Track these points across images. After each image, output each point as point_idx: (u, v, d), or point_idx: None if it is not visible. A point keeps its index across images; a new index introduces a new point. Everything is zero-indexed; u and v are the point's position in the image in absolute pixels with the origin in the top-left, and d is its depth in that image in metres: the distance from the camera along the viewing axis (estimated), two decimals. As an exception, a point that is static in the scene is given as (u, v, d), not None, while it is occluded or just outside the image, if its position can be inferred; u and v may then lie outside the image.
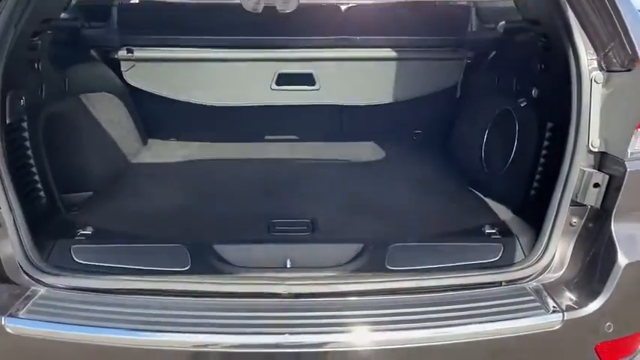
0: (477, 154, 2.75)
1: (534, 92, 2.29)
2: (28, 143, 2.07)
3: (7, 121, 1.91)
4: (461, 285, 1.89)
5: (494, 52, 3.06)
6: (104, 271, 1.90)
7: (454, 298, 1.86)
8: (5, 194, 1.83)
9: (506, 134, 2.52)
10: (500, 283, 1.94)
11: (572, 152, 1.92)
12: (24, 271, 1.86)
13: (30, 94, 2.11)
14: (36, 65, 2.20)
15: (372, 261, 1.96)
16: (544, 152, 2.15)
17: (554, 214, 1.96)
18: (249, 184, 2.72)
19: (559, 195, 1.95)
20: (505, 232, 2.13)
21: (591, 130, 1.91)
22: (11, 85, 1.93)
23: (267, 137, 3.44)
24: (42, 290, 1.84)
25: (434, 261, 1.98)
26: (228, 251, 1.97)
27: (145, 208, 2.37)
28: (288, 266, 1.91)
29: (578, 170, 1.92)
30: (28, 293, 1.82)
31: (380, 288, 1.84)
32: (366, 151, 3.28)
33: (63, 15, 2.65)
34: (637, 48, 1.80)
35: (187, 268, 1.90)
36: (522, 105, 2.31)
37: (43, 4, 2.00)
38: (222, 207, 2.41)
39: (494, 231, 2.15)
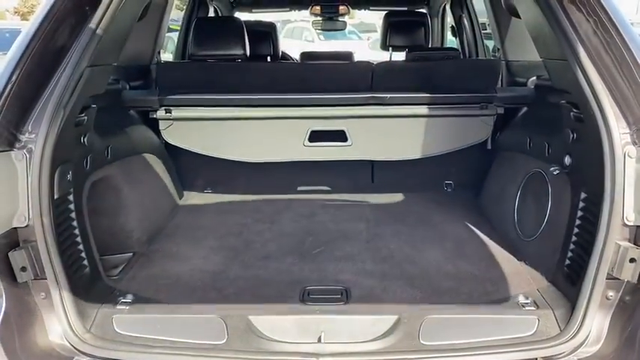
0: (509, 215, 2.75)
1: (567, 160, 2.29)
2: (73, 214, 2.16)
3: (55, 196, 2.01)
4: None
5: (525, 109, 3.07)
6: (143, 343, 1.95)
7: None
8: (52, 266, 1.92)
9: (539, 198, 2.51)
10: (536, 359, 1.93)
11: (607, 226, 1.91)
12: (68, 342, 1.94)
13: (76, 166, 2.22)
14: (82, 139, 2.31)
15: (407, 335, 1.97)
16: (578, 222, 2.14)
17: (590, 288, 1.95)
18: (283, 243, 2.76)
19: (594, 269, 1.94)
20: (540, 302, 2.12)
21: (626, 204, 1.90)
22: (60, 162, 2.03)
23: (300, 191, 3.50)
24: None
25: (468, 335, 1.97)
26: (263, 323, 2.01)
27: (182, 273, 2.43)
28: (322, 341, 1.94)
29: (614, 244, 1.91)
30: None
31: None
32: (397, 205, 3.30)
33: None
34: (671, 127, 1.81)
35: (224, 341, 1.95)
36: (555, 172, 2.31)
37: (90, 84, 2.11)
38: (256, 270, 2.45)
39: (528, 301, 2.13)
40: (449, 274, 2.38)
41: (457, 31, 4.83)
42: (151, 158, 3.17)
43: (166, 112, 3.20)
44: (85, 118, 2.29)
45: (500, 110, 3.14)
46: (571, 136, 2.24)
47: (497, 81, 3.30)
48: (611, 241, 1.91)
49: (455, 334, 1.98)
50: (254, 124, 3.23)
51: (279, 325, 2.02)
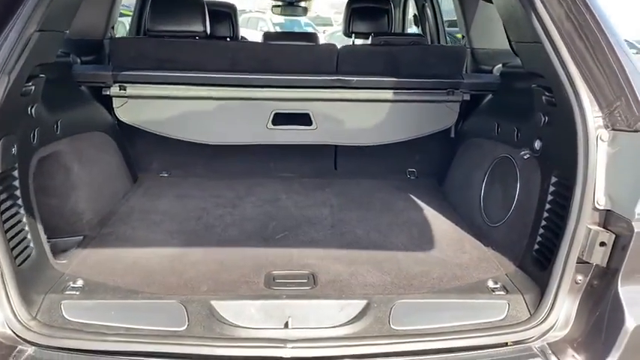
0: (475, 202, 2.73)
1: (537, 144, 2.28)
2: (18, 192, 1.98)
3: None
4: (468, 347, 1.84)
5: (492, 96, 3.07)
6: (95, 330, 1.81)
7: None
8: None
9: (506, 183, 2.50)
10: (506, 344, 1.90)
11: (578, 210, 1.90)
12: (11, 330, 1.77)
13: (22, 140, 2.03)
14: (29, 110, 2.12)
15: (377, 320, 1.90)
16: (548, 207, 2.13)
17: (561, 272, 1.94)
18: (246, 228, 2.65)
19: (565, 253, 1.93)
20: (509, 287, 2.10)
21: (597, 188, 1.89)
22: (3, 133, 1.85)
23: (262, 175, 3.37)
24: (29, 350, 1.75)
25: (439, 319, 1.93)
26: (227, 308, 1.90)
27: (138, 257, 2.28)
28: (290, 326, 1.84)
29: (585, 228, 1.91)
30: (14, 353, 1.74)
31: (385, 351, 1.79)
32: (361, 191, 3.24)
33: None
34: (645, 110, 1.81)
35: (184, 328, 1.82)
36: (525, 157, 2.30)
37: (38, 49, 1.93)
38: (218, 254, 2.33)
39: (497, 286, 2.11)
40: (417, 260, 2.33)
41: (420, 20, 4.81)
42: (103, 137, 2.98)
43: (120, 89, 3.02)
44: (33, 87, 2.10)
45: (467, 97, 3.13)
46: (543, 119, 2.23)
47: (463, 68, 3.29)
48: (583, 225, 1.90)
49: (425, 318, 1.93)
50: (214, 105, 3.09)
51: (244, 310, 1.91)
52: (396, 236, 2.58)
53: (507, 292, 2.07)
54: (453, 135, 3.43)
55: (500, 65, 3.11)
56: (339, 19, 13.52)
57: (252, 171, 3.38)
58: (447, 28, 4.40)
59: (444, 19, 4.49)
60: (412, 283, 2.12)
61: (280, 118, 3.08)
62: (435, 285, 2.12)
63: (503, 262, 2.30)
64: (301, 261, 2.28)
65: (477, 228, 2.64)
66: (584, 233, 1.91)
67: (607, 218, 1.93)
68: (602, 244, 1.91)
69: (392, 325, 1.89)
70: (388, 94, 3.05)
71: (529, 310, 1.99)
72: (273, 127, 3.07)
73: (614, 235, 1.89)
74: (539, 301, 1.98)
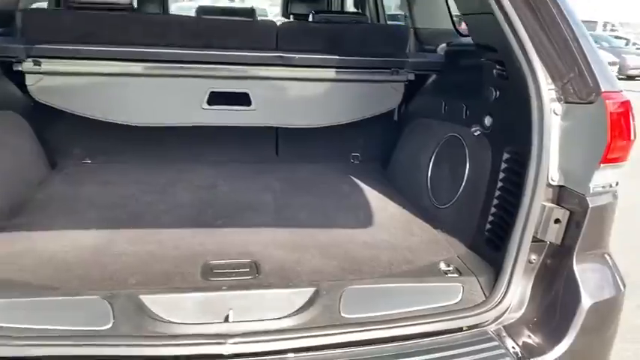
0: (422, 184, 2.63)
1: (488, 121, 2.20)
2: None
3: None
4: (422, 333, 1.73)
5: (437, 76, 2.98)
6: (3, 334, 1.55)
7: (415, 349, 1.70)
8: None
9: (454, 163, 2.41)
10: (461, 329, 1.80)
11: (533, 186, 1.83)
12: None
13: None
14: None
15: (326, 308, 1.75)
16: (500, 185, 2.05)
17: (515, 251, 1.86)
18: (179, 215, 2.42)
19: (520, 231, 1.85)
20: (462, 269, 2.00)
21: (551, 164, 1.83)
22: None
23: (197, 160, 3.13)
24: None
25: (392, 305, 1.80)
26: (158, 303, 1.69)
27: (55, 250, 2.01)
28: (231, 320, 1.66)
29: (540, 206, 1.84)
30: None
31: (336, 342, 1.64)
32: (304, 176, 3.08)
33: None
34: (599, 80, 1.75)
35: (109, 327, 1.60)
36: (476, 133, 2.21)
37: None
38: (148, 244, 2.10)
39: (450, 268, 2.01)
40: (366, 244, 2.20)
41: (359, 1, 4.71)
42: (14, 118, 2.65)
43: (35, 65, 2.69)
44: None
45: (411, 76, 3.02)
46: (494, 94, 2.14)
47: (406, 47, 3.19)
48: (537, 202, 1.83)
49: (377, 305, 1.80)
50: (143, 83, 2.82)
51: (178, 305, 1.70)
52: (342, 220, 2.44)
53: (461, 274, 1.98)
54: (396, 118, 3.33)
55: (444, 45, 3.04)
56: (275, 10, 13.25)
57: (185, 156, 3.13)
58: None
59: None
60: (362, 268, 1.99)
61: (216, 98, 2.85)
62: (385, 269, 2.00)
63: (454, 243, 2.21)
64: (242, 249, 2.09)
65: (424, 210, 2.55)
66: (538, 211, 1.84)
67: (560, 194, 1.87)
68: (557, 221, 1.85)
69: (342, 314, 1.74)
70: (331, 73, 2.90)
71: (484, 293, 1.90)
72: (208, 107, 2.84)
73: (568, 212, 1.83)
74: (494, 282, 1.90)
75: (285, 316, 1.71)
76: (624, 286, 1.88)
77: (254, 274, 1.89)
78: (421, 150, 2.76)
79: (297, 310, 1.74)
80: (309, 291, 1.78)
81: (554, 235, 1.85)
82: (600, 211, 1.81)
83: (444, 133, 2.56)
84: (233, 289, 1.76)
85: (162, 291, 1.74)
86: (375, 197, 2.78)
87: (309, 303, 1.75)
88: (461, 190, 2.33)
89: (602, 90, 1.73)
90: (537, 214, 1.84)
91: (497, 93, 2.13)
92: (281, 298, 1.75)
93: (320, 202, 2.65)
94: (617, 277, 1.87)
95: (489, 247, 2.04)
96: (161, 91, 2.84)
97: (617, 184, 1.86)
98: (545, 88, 1.81)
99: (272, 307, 1.72)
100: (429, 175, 2.61)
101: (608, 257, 1.90)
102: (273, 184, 2.88)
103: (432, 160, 2.61)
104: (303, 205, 2.62)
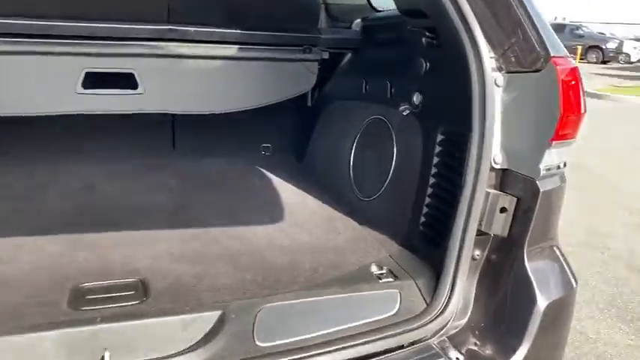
0: (344, 174, 2.31)
1: (417, 98, 1.91)
2: None
3: None
4: (358, 358, 1.40)
5: (354, 53, 2.67)
6: None
7: None
8: None
9: (380, 149, 2.11)
10: (402, 346, 1.50)
11: (475, 171, 1.56)
12: None
13: None
14: None
15: (236, 336, 1.37)
16: (434, 171, 1.76)
17: (458, 247, 1.58)
18: (44, 227, 1.93)
19: (462, 224, 1.58)
20: (397, 271, 1.70)
21: (493, 144, 1.57)
22: None
23: (72, 158, 2.60)
24: None
25: (319, 324, 1.46)
26: (7, 348, 1.23)
27: None
28: None
29: (484, 193, 1.57)
30: None
31: None
32: (208, 171, 2.66)
33: None
34: (547, 44, 1.50)
35: None
36: (405, 113, 1.92)
37: None
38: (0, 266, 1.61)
39: (384, 271, 1.70)
40: (283, 248, 1.84)
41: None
42: None
43: None
44: None
45: (326, 55, 2.69)
46: (423, 66, 1.85)
47: (317, 23, 2.85)
48: (481, 189, 1.56)
49: (301, 325, 1.45)
50: None
51: (34, 348, 1.25)
52: (255, 222, 2.06)
53: (396, 277, 1.67)
54: (309, 103, 2.99)
55: (358, 20, 2.73)
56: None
57: (57, 152, 2.59)
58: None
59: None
60: (280, 279, 1.63)
61: (94, 80, 2.35)
62: (309, 278, 1.65)
63: (385, 241, 1.91)
64: (127, 265, 1.65)
65: (349, 204, 2.23)
66: (482, 199, 1.57)
67: (504, 179, 1.61)
68: (503, 210, 1.59)
69: (257, 342, 1.38)
70: (234, 50, 2.49)
71: (424, 299, 1.61)
72: (84, 91, 2.33)
73: (515, 199, 1.58)
74: (435, 285, 1.61)
75: (182, 352, 1.31)
76: (576, 281, 1.66)
77: (140, 298, 1.47)
78: (341, 136, 2.44)
79: (198, 342, 1.35)
80: (213, 315, 1.40)
81: (500, 226, 1.60)
82: (550, 196, 1.57)
83: (366, 115, 2.25)
84: (110, 321, 1.33)
85: (12, 332, 1.28)
86: (291, 193, 2.43)
87: (214, 332, 1.37)
88: (388, 179, 2.03)
89: (552, 55, 1.49)
90: (481, 203, 1.57)
91: (428, 65, 1.85)
92: (175, 328, 1.35)
93: (226, 202, 2.26)
94: (569, 272, 1.65)
95: (426, 243, 1.76)
96: (23, 74, 2.29)
97: (565, 164, 1.63)
98: (487, 56, 1.54)
99: (163, 341, 1.32)
100: (352, 164, 2.30)
101: (557, 250, 1.68)
102: (168, 183, 2.44)
103: (354, 147, 2.30)
104: (206, 205, 2.21)
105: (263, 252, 1.79)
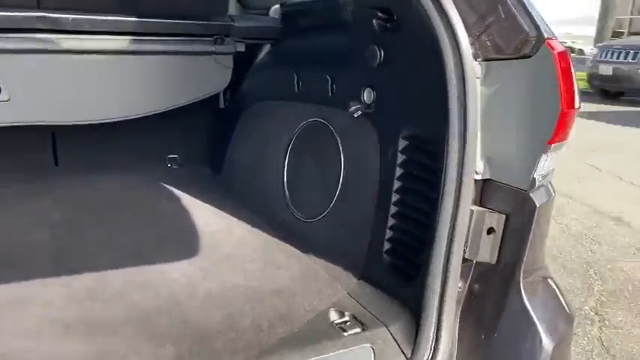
0: (276, 190, 1.91)
1: (368, 95, 1.55)
2: None
3: None
4: None
5: (276, 45, 2.26)
6: None
7: None
8: None
9: (322, 159, 1.74)
10: None
11: (457, 183, 1.23)
12: None
13: None
14: None
15: None
16: (398, 185, 1.42)
17: (441, 280, 1.25)
18: None
19: (444, 251, 1.25)
20: (363, 316, 1.34)
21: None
22: None
23: None
24: None
25: None
26: None
27: None
28: None
29: (468, 211, 1.25)
30: None
31: None
32: (102, 194, 2.15)
33: None
34: (539, 24, 1.20)
35: None
36: (356, 115, 1.55)
37: None
38: None
39: (346, 318, 1.33)
40: (212, 297, 1.41)
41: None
42: None
43: None
44: None
45: (241, 47, 2.26)
46: (378, 56, 1.49)
47: (227, 9, 2.41)
48: (466, 205, 1.24)
49: None
50: None
51: None
52: (168, 260, 1.61)
53: (363, 325, 1.31)
54: (222, 105, 2.55)
55: (276, 7, 2.33)
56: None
57: None
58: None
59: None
60: (214, 349, 1.20)
61: None
62: (251, 341, 1.24)
63: (339, 275, 1.54)
64: None
65: (284, 227, 1.84)
66: (467, 218, 1.26)
67: (486, 192, 1.31)
68: (490, 230, 1.29)
69: None
70: (126, 42, 2.00)
71: (402, 351, 1.26)
72: None
73: (503, 216, 1.28)
74: (415, 332, 1.27)
75: None
76: (574, 316, 1.40)
77: None
78: (268, 144, 2.04)
79: None
80: None
81: (487, 251, 1.29)
82: (545, 212, 1.29)
83: (300, 118, 1.86)
84: None
85: None
86: (211, 215, 1.98)
87: None
88: (336, 195, 1.66)
89: (546, 36, 1.19)
90: (466, 223, 1.26)
91: (382, 54, 1.49)
92: None
93: (128, 236, 1.77)
94: (566, 305, 1.38)
95: (394, 276, 1.41)
96: None
97: (552, 171, 1.35)
98: (466, 40, 1.22)
99: None
100: (285, 177, 1.91)
101: (551, 280, 1.40)
102: (51, 213, 1.91)
103: (287, 156, 1.91)
104: (103, 241, 1.72)
105: (185, 307, 1.35)
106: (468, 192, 1.24)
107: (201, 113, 2.43)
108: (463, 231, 1.25)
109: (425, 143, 1.34)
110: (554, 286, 1.37)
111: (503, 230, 1.28)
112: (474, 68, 1.23)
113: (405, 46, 1.38)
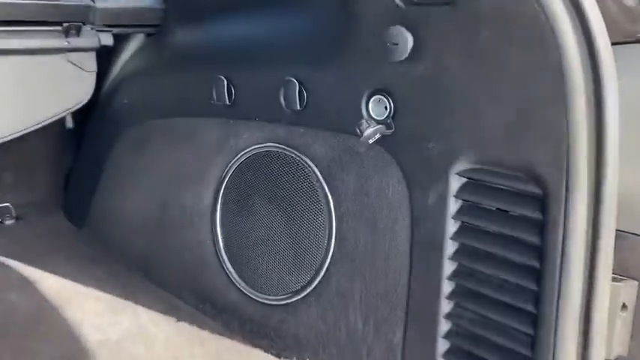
0: (201, 249, 1.25)
1: (377, 107, 0.96)
2: None
3: None
4: None
5: (172, 33, 1.54)
6: None
7: None
8: None
9: (292, 210, 1.13)
10: None
11: (589, 245, 0.77)
12: None
13: None
14: None
15: None
16: (455, 247, 0.90)
17: None
18: None
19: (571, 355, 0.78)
20: None
21: None
22: None
23: None
24: None
25: None
26: None
27: None
28: None
29: (608, 286, 0.80)
30: None
31: None
32: None
33: None
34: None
35: None
36: (371, 141, 0.95)
37: None
38: None
39: None
40: None
41: None
42: None
43: None
44: None
45: (107, 39, 1.50)
46: (407, 43, 0.91)
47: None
48: (605, 279, 0.78)
49: None
50: None
51: None
52: None
53: None
54: (71, 125, 1.77)
55: None
56: None
57: None
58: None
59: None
60: None
61: None
62: None
63: None
64: None
65: (227, 311, 1.19)
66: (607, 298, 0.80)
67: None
68: (624, 307, 0.85)
69: None
70: None
71: None
72: None
73: (636, 284, 0.85)
74: None
75: None
76: None
77: None
78: (179, 184, 1.35)
79: None
80: None
81: (622, 340, 0.85)
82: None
83: (239, 144, 1.21)
84: None
85: None
86: (92, 309, 1.24)
87: None
88: (327, 263, 1.07)
89: None
90: (605, 306, 0.80)
91: (413, 40, 0.92)
92: None
93: None
94: None
95: None
96: None
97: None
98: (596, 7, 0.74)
99: None
100: (220, 237, 1.24)
101: None
102: None
103: (220, 204, 1.24)
104: None
105: None
106: (608, 259, 0.77)
107: (52, 139, 1.63)
108: (603, 318, 0.78)
109: (511, 180, 0.83)
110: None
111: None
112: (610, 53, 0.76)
113: (465, 25, 0.84)
